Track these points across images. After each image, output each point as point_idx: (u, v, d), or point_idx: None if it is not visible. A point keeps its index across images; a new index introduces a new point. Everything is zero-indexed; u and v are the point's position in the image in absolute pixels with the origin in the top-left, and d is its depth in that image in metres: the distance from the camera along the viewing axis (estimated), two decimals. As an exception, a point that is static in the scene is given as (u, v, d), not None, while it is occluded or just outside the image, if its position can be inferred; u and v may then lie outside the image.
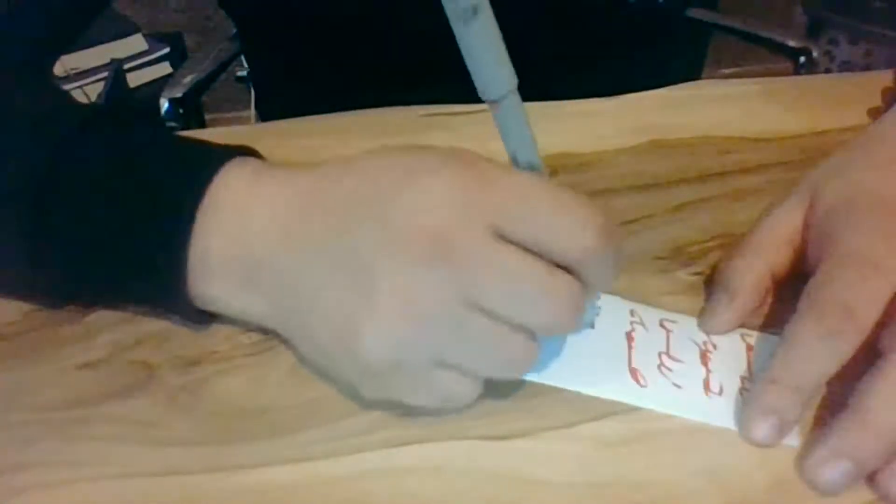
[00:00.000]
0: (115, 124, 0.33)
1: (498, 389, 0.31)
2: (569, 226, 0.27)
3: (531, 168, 0.28)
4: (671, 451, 0.29)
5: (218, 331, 0.33)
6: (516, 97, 0.27)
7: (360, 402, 0.30)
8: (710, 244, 0.38)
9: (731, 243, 0.37)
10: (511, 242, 0.26)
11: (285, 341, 0.32)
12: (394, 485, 0.28)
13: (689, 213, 0.40)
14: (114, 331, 0.33)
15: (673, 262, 0.37)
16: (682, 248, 0.38)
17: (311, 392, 0.31)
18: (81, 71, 1.43)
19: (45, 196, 0.30)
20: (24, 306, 0.35)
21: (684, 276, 0.36)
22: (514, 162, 0.29)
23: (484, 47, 0.25)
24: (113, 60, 1.43)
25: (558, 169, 0.43)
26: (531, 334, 0.27)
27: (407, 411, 0.30)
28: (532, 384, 0.31)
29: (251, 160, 0.32)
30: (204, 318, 0.32)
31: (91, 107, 0.34)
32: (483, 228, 0.26)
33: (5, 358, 0.32)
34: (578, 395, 0.31)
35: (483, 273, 0.26)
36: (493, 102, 0.27)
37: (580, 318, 0.27)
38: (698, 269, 0.36)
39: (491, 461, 0.28)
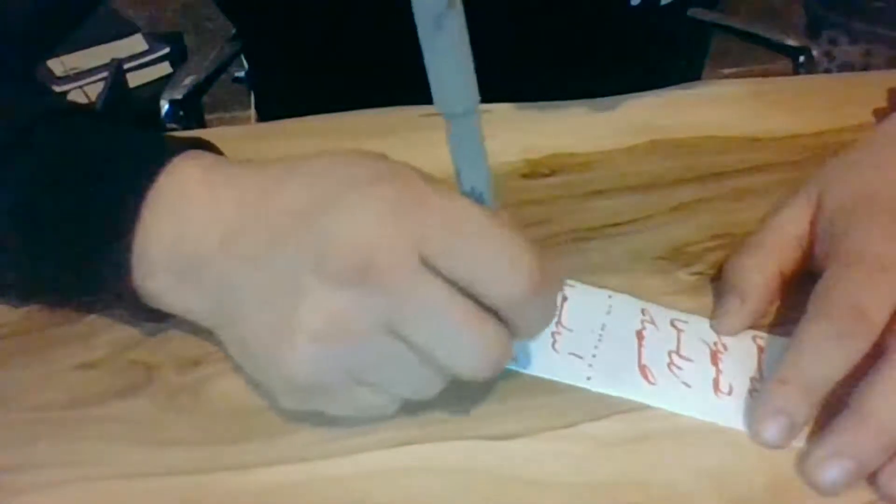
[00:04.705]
0: (70, 117, 0.32)
1: (498, 389, 0.31)
2: (499, 268, 0.25)
3: (476, 194, 0.27)
4: (671, 451, 0.29)
5: (218, 331, 0.33)
6: (477, 116, 0.25)
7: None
8: (710, 244, 0.38)
9: (731, 243, 0.37)
10: (437, 271, 0.25)
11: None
12: (393, 485, 0.28)
13: (689, 213, 0.40)
14: (114, 331, 0.33)
15: (673, 262, 0.37)
16: (682, 248, 0.38)
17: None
18: (81, 71, 1.43)
19: None
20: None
21: (684, 276, 0.36)
22: (459, 184, 0.27)
23: (450, 56, 0.23)
24: (113, 60, 1.43)
25: (558, 169, 0.43)
26: (445, 370, 0.26)
27: (406, 412, 0.30)
28: (534, 383, 0.31)
29: (203, 154, 0.31)
30: (155, 316, 0.31)
31: (53, 102, 0.34)
32: (411, 255, 0.25)
33: (5, 358, 0.32)
34: (578, 394, 0.31)
35: (405, 303, 0.25)
36: (449, 117, 0.25)
37: (501, 366, 0.26)
38: (698, 269, 0.36)
39: (491, 461, 0.28)
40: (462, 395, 0.31)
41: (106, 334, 0.33)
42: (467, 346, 0.25)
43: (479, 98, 0.25)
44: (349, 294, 0.25)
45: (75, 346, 0.33)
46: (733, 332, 0.33)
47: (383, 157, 0.28)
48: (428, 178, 0.27)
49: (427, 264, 0.25)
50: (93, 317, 0.34)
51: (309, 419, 0.30)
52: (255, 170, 0.29)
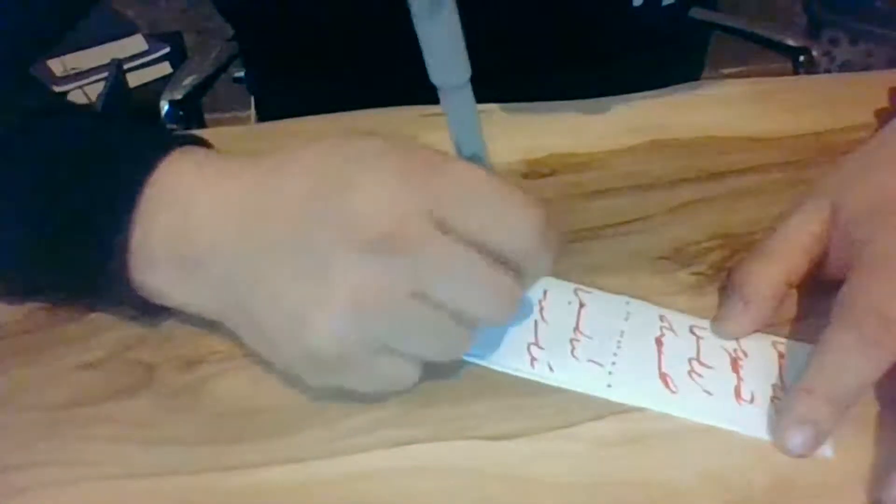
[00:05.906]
0: (64, 115, 0.32)
1: (498, 389, 0.31)
2: (511, 223, 0.27)
3: (475, 159, 0.29)
4: (671, 451, 0.29)
5: (218, 331, 0.33)
6: (468, 88, 0.28)
7: (359, 401, 0.30)
8: (710, 244, 0.38)
9: (731, 243, 0.37)
10: (453, 231, 0.27)
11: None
12: (393, 485, 0.28)
13: (689, 213, 0.40)
14: (114, 331, 0.33)
15: (673, 262, 0.37)
16: (682, 248, 0.38)
17: (310, 392, 0.31)
18: (81, 71, 1.43)
19: None
20: (25, 306, 0.35)
21: (684, 276, 0.36)
22: (458, 151, 0.29)
23: (445, 38, 0.26)
24: (113, 60, 1.43)
25: (558, 169, 0.43)
26: (469, 323, 0.28)
27: (406, 412, 0.30)
28: (533, 383, 0.31)
29: (196, 150, 0.31)
30: (151, 309, 0.32)
31: (47, 100, 0.34)
32: (426, 218, 0.26)
33: (5, 358, 0.32)
34: (577, 394, 0.31)
35: (428, 264, 0.26)
36: (444, 90, 0.28)
37: (515, 309, 0.28)
38: (698, 269, 0.36)
39: (491, 461, 0.28)
40: (462, 395, 0.31)
41: (106, 334, 0.33)
42: (486, 295, 0.27)
43: (470, 70, 0.27)
44: (375, 262, 0.26)
45: (75, 346, 0.33)
46: (734, 337, 0.33)
47: (374, 135, 0.29)
48: (427, 147, 0.28)
49: (442, 225, 0.26)
50: (93, 317, 0.34)
51: (308, 419, 0.30)
52: (251, 161, 0.30)
